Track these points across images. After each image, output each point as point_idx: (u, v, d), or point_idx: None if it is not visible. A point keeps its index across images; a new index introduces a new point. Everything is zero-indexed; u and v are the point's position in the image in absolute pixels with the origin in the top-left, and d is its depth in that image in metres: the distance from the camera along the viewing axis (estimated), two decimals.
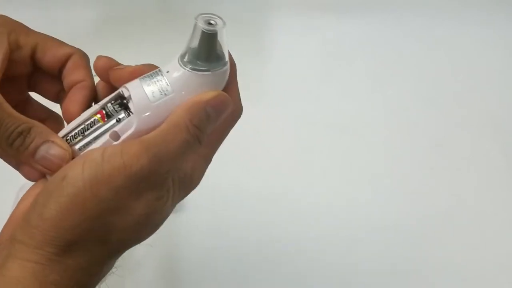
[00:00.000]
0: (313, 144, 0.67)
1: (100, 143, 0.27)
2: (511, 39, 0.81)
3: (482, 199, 0.62)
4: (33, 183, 0.29)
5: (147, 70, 0.29)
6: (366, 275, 0.55)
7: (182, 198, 0.29)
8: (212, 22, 0.28)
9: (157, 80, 0.28)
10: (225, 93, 0.28)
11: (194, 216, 0.59)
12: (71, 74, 0.30)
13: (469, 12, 0.84)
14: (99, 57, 0.30)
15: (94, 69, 0.30)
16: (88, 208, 0.24)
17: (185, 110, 0.26)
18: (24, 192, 0.29)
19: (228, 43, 0.28)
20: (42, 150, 0.27)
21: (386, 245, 0.57)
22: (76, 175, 0.24)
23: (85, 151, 0.27)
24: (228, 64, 0.29)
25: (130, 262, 0.55)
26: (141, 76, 0.28)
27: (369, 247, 0.57)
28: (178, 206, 0.64)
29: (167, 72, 0.28)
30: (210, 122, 0.27)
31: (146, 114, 0.27)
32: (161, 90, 0.27)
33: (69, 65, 0.31)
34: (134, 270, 0.55)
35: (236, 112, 0.30)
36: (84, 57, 0.32)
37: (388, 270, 0.56)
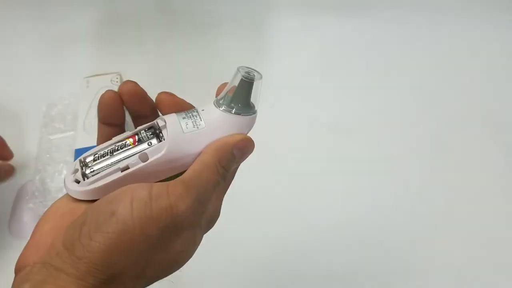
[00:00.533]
0: (313, 143, 0.67)
1: (126, 162, 0.28)
2: (511, 39, 0.81)
3: (482, 199, 0.62)
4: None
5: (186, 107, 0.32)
6: (366, 275, 0.55)
7: (205, 232, 0.31)
8: (251, 73, 0.31)
9: (192, 116, 0.30)
10: (250, 137, 0.31)
11: None
12: None
13: (469, 11, 0.84)
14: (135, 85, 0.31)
15: (125, 92, 0.31)
16: (135, 246, 0.25)
17: (215, 151, 0.29)
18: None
19: (260, 97, 0.31)
20: None
21: (386, 245, 0.58)
22: (126, 213, 0.25)
23: (129, 186, 0.27)
24: (257, 113, 0.32)
25: None
26: (178, 112, 0.31)
27: (369, 247, 0.57)
28: None
29: (202, 110, 0.31)
30: (235, 162, 0.30)
31: (177, 141, 0.29)
32: (194, 124, 0.30)
33: None
34: None
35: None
36: None
37: (388, 270, 0.56)
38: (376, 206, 0.61)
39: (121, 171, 0.28)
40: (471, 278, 0.55)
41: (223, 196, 0.31)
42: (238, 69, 0.31)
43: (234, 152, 0.30)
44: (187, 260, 0.28)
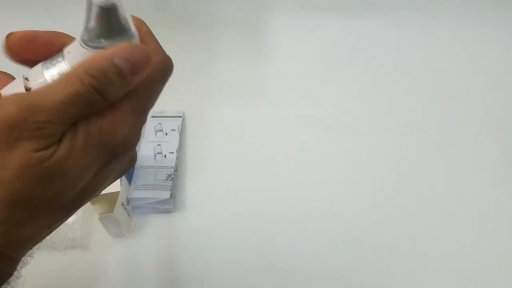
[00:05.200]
0: (313, 143, 0.67)
1: None
2: (511, 39, 0.81)
3: (483, 199, 0.62)
4: None
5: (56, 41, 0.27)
6: (366, 275, 0.55)
7: (114, 158, 0.26)
8: None
9: (58, 62, 0.25)
10: (139, 44, 0.25)
11: (194, 217, 0.59)
12: None
13: (469, 11, 0.84)
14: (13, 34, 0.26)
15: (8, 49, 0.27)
16: None
17: (83, 62, 0.24)
18: None
19: (130, 14, 0.26)
20: None
21: (386, 245, 0.57)
22: None
23: None
24: (137, 35, 0.26)
25: (130, 263, 0.55)
26: (44, 61, 0.26)
27: (369, 247, 0.57)
28: (178, 206, 0.63)
29: (68, 52, 0.26)
30: (124, 75, 0.24)
31: None
32: (61, 74, 0.25)
33: None
34: (134, 270, 0.55)
35: (163, 64, 0.27)
36: None
37: (388, 270, 0.56)
38: (376, 206, 0.61)
39: None
40: (472, 278, 0.55)
41: (136, 117, 0.26)
42: None
43: (118, 62, 0.24)
44: (60, 182, 0.24)
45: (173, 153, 0.62)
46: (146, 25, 0.28)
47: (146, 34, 0.27)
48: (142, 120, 0.27)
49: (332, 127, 0.69)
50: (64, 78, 0.24)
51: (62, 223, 0.27)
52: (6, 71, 0.28)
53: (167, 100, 0.72)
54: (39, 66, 0.26)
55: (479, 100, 0.73)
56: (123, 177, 0.55)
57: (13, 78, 0.27)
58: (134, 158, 0.29)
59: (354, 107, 0.71)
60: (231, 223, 0.59)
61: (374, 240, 0.58)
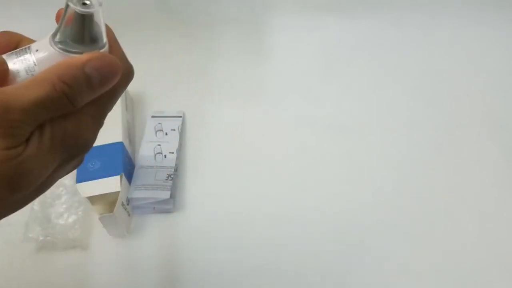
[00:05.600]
0: (313, 143, 0.67)
1: None
2: (511, 39, 0.81)
3: (483, 199, 0.62)
4: None
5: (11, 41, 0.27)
6: (366, 275, 0.55)
7: (71, 158, 0.27)
8: (87, 2, 0.25)
9: (25, 59, 0.25)
10: (111, 55, 0.26)
11: (194, 217, 0.59)
12: None
13: (469, 11, 0.84)
14: None
15: None
16: None
17: (55, 66, 0.25)
18: None
19: (104, 23, 0.26)
20: None
21: (386, 245, 0.57)
22: None
23: None
24: (107, 46, 0.27)
25: (130, 263, 0.55)
26: (9, 53, 0.26)
27: (369, 247, 0.57)
28: (178, 206, 0.63)
29: (37, 50, 0.26)
30: (93, 85, 0.25)
31: None
32: (28, 70, 0.25)
33: None
34: (134, 270, 0.55)
35: (126, 74, 0.28)
36: None
37: (388, 270, 0.56)
38: (376, 206, 0.61)
39: None
40: (472, 278, 0.55)
41: (96, 121, 0.27)
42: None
43: (88, 71, 0.25)
44: (27, 180, 0.25)
45: (173, 153, 0.62)
46: (112, 31, 0.29)
47: (112, 41, 0.28)
48: (101, 124, 0.28)
49: (332, 127, 0.69)
50: (37, 80, 0.24)
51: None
52: None
53: (167, 100, 0.73)
54: (1, 58, 0.25)
55: (479, 100, 0.73)
56: (123, 177, 0.55)
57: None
58: (82, 159, 0.30)
59: (354, 107, 0.71)
60: (231, 223, 0.59)
61: (374, 240, 0.58)
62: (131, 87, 0.38)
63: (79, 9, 0.24)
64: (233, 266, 0.56)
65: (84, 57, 0.25)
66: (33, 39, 0.28)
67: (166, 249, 0.56)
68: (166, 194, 0.57)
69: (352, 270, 0.55)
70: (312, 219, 0.59)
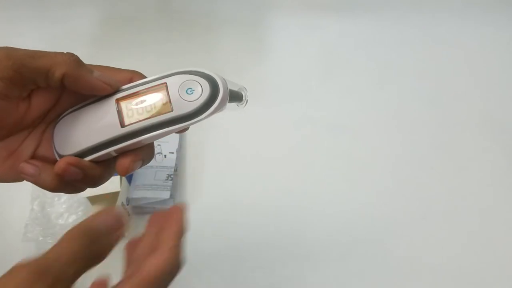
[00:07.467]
0: (313, 143, 0.67)
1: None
2: (511, 39, 0.81)
3: (483, 199, 0.62)
4: None
5: None
6: (366, 274, 0.55)
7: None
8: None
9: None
10: (112, 209, 0.30)
11: (194, 217, 0.59)
12: None
13: (469, 11, 0.84)
14: None
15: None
16: None
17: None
18: None
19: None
20: None
21: (385, 245, 0.58)
22: None
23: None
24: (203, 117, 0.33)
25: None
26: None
27: (369, 247, 0.57)
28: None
29: None
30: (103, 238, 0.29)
31: None
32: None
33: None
34: None
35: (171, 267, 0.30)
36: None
37: (388, 270, 0.56)
38: (376, 206, 0.61)
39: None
40: (472, 278, 0.55)
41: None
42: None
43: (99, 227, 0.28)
44: None
45: (173, 153, 0.62)
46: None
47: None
48: None
49: (332, 127, 0.69)
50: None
51: None
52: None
53: None
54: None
55: (479, 100, 0.73)
56: (123, 177, 0.55)
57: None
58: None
59: (354, 107, 0.71)
60: (231, 223, 0.59)
61: (373, 240, 0.58)
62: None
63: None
64: (233, 266, 0.56)
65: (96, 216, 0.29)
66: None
67: None
68: (166, 194, 0.57)
69: (352, 270, 0.56)
70: (312, 218, 0.59)
